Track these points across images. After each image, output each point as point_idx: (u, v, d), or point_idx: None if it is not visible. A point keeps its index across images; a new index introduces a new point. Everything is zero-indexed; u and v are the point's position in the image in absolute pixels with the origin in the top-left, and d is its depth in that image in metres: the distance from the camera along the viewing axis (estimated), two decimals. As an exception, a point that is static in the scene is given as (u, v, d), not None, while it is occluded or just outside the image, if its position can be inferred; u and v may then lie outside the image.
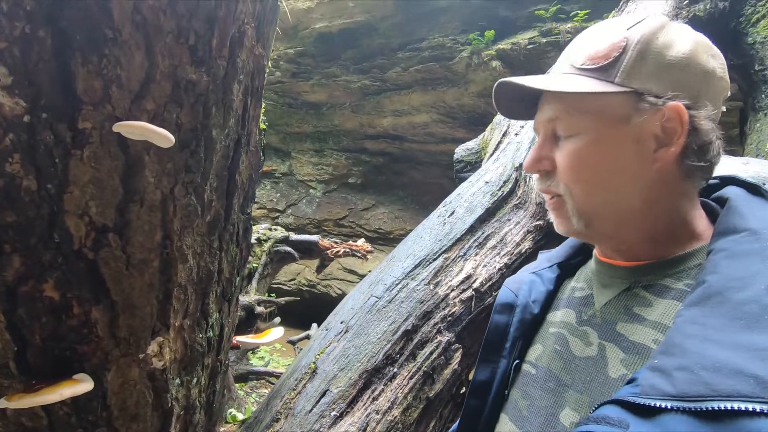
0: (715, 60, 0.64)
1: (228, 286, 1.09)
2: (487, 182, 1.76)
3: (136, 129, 0.64)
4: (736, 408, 0.42)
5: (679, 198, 0.65)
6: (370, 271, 1.78)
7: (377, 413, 1.29)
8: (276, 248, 3.04)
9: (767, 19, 2.44)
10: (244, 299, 2.67)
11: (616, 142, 0.63)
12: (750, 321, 0.47)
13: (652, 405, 0.47)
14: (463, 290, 1.48)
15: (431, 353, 1.39)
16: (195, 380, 1.05)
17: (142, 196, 0.75)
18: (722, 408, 0.43)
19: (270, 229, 3.22)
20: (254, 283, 2.94)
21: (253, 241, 2.94)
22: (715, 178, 0.71)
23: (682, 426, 0.44)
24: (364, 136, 8.28)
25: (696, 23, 2.42)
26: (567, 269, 0.83)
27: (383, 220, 8.42)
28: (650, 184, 0.64)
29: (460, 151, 2.49)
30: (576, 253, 0.84)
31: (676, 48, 0.62)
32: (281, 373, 2.66)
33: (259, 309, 2.83)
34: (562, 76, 0.67)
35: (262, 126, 1.00)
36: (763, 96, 2.41)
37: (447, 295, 1.47)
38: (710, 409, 0.43)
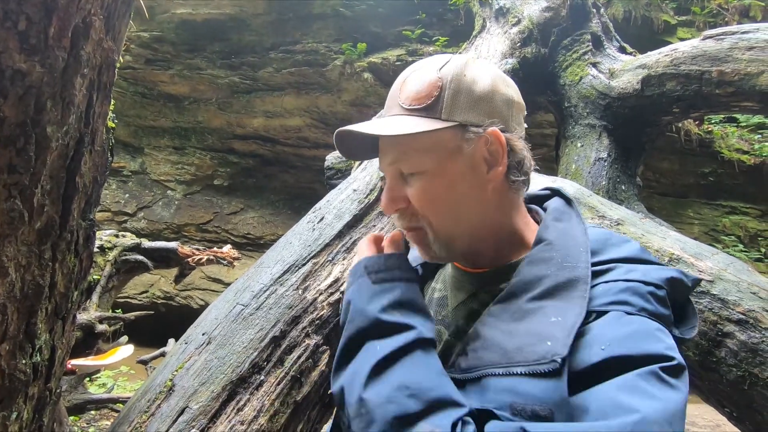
0: (510, 88, 0.75)
1: (63, 301, 0.95)
2: (355, 190, 1.86)
3: (-60, 121, 0.53)
4: (487, 373, 0.59)
5: (511, 210, 0.76)
6: (237, 279, 1.72)
7: (242, 424, 1.26)
8: (124, 257, 2.68)
9: (573, 67, 3.08)
10: (82, 317, 2.30)
11: (456, 172, 0.70)
12: (519, 316, 0.64)
13: (458, 378, 0.62)
14: (331, 293, 1.54)
15: (299, 357, 1.41)
16: (15, 415, 0.89)
17: (-57, 199, 0.63)
18: (479, 375, 0.60)
19: (116, 236, 2.83)
20: (95, 298, 2.55)
21: (95, 250, 2.55)
22: (547, 189, 0.85)
23: (465, 392, 0.60)
24: (232, 135, 7.80)
25: (526, 63, 2.94)
26: (428, 269, 0.89)
27: (253, 224, 8.04)
28: (489, 203, 0.72)
29: (331, 158, 2.57)
30: None
31: (480, 83, 0.71)
32: (129, 398, 2.36)
33: (101, 327, 2.46)
34: (393, 119, 0.71)
35: (111, 124, 0.91)
36: (570, 127, 3.03)
37: (315, 299, 1.51)
38: (474, 377, 0.60)
